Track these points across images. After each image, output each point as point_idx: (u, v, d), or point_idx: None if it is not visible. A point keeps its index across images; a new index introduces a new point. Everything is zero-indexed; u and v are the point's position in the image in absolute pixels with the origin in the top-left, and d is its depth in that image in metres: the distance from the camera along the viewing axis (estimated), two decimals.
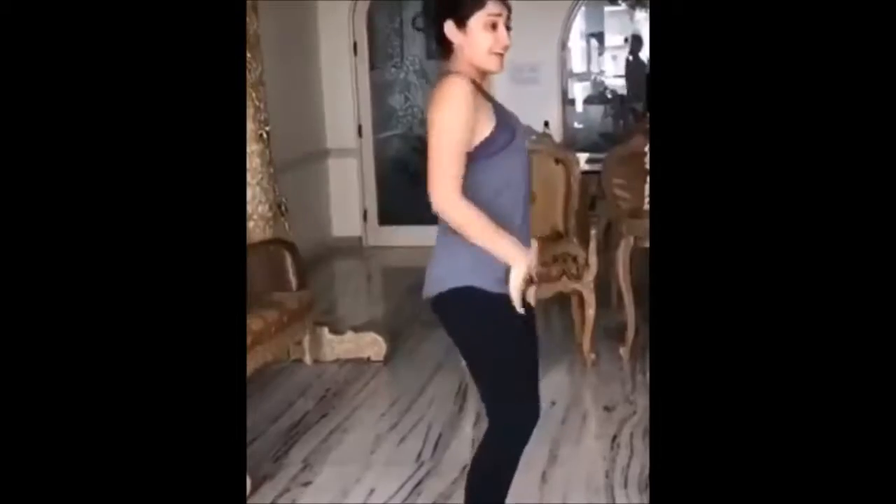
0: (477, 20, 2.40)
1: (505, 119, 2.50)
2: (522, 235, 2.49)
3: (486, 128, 2.43)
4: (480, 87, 2.48)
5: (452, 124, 2.38)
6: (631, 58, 10.09)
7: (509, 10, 2.46)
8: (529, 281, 2.44)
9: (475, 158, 2.42)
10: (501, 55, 2.45)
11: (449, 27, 2.43)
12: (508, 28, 2.46)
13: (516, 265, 2.38)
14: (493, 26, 2.41)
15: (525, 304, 2.44)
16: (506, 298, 2.40)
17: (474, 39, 2.42)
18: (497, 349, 2.53)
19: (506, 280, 2.40)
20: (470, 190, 2.41)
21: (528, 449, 3.55)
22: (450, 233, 2.47)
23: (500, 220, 2.42)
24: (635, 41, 10.09)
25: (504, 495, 2.65)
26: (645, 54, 9.82)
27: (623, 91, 10.45)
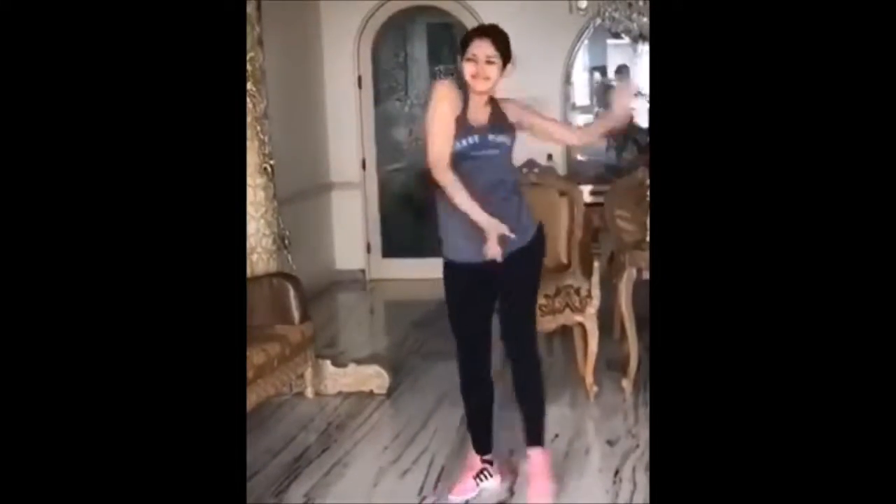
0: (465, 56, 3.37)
1: (467, 131, 3.34)
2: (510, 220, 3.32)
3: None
4: (472, 100, 3.37)
5: (434, 111, 3.32)
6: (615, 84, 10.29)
7: (493, 46, 3.33)
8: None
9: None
10: (476, 79, 3.33)
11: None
12: (490, 62, 3.33)
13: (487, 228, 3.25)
14: (471, 60, 3.33)
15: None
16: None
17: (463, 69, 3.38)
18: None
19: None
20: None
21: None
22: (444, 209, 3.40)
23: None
24: (623, 69, 10.29)
25: None
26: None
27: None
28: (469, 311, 3.52)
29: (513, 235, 3.30)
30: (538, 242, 3.52)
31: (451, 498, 3.63)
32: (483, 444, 3.69)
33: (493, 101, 3.45)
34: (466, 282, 3.45)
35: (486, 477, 3.68)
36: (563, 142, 3.78)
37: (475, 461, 3.69)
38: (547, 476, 3.55)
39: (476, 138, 3.35)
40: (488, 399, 3.65)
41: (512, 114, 3.49)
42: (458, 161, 3.32)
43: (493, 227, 3.26)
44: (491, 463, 3.71)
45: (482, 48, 3.33)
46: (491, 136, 3.39)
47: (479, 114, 3.39)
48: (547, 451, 3.61)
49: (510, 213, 3.36)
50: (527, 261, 3.46)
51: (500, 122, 3.42)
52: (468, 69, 3.34)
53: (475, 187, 3.30)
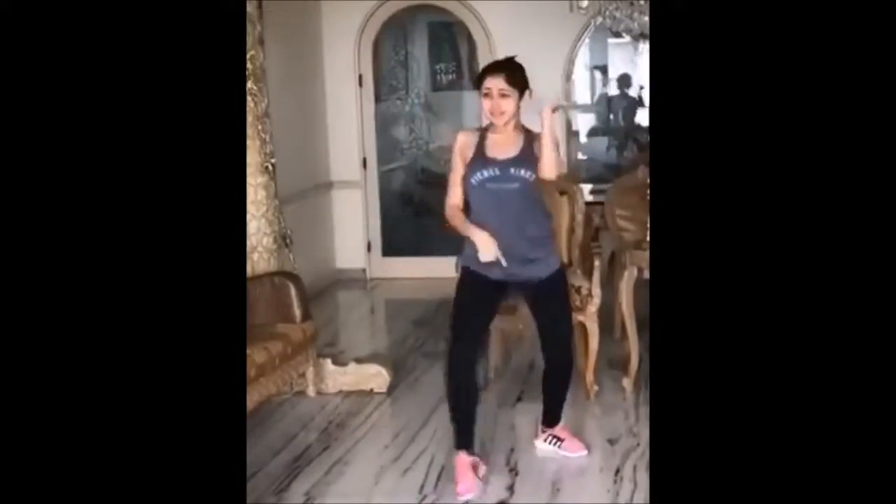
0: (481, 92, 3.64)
1: (480, 166, 3.62)
2: (515, 250, 3.62)
3: (468, 167, 3.68)
4: (495, 132, 3.69)
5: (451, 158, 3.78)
6: (618, 92, 10.32)
7: (505, 81, 3.57)
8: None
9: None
10: (494, 114, 3.60)
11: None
12: (504, 95, 3.57)
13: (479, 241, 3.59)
14: (487, 96, 3.60)
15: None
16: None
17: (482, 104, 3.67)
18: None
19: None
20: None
21: (531, 481, 3.55)
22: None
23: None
24: (624, 79, 10.35)
25: None
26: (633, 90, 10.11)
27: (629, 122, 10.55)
28: (473, 316, 3.75)
29: (504, 263, 3.60)
30: (560, 277, 3.83)
31: (460, 495, 3.62)
32: (470, 439, 3.79)
33: (527, 135, 3.66)
34: (479, 289, 3.72)
35: (479, 469, 3.78)
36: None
37: (465, 458, 3.73)
38: (573, 436, 4.01)
39: (496, 170, 3.60)
40: (477, 392, 3.81)
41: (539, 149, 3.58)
42: (475, 193, 3.64)
43: (484, 243, 3.57)
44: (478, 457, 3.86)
45: (495, 83, 3.57)
46: (513, 170, 3.60)
47: (505, 147, 3.63)
48: (564, 424, 4.04)
49: (522, 247, 3.64)
50: (555, 286, 3.78)
51: (525, 156, 3.60)
52: (484, 105, 3.61)
53: (492, 219, 3.61)
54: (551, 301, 3.80)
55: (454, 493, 3.63)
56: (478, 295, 3.72)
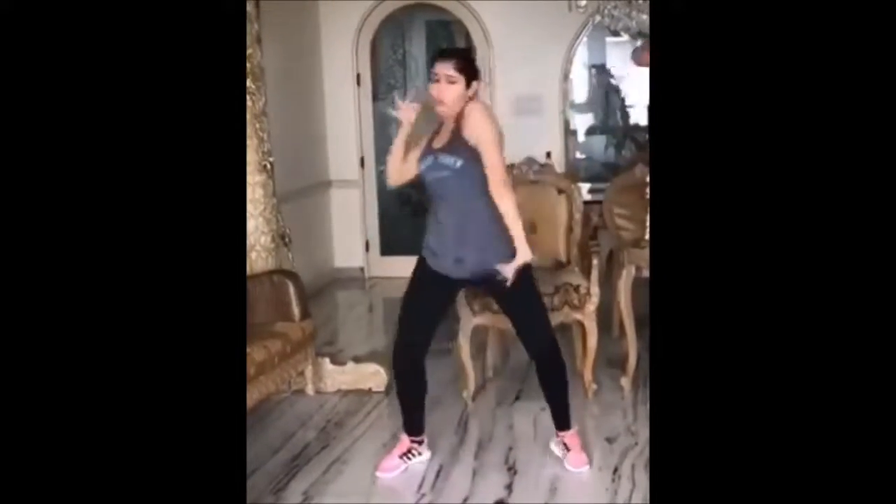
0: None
1: (424, 155, 3.63)
2: (449, 245, 3.67)
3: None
4: (439, 120, 3.64)
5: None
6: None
7: (453, 67, 3.52)
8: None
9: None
10: (439, 97, 3.55)
11: None
12: (451, 82, 3.51)
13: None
14: (435, 81, 3.55)
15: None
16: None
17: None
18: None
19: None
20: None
21: (529, 480, 3.55)
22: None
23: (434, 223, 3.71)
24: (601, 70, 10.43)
25: None
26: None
27: (630, 121, 10.57)
28: (424, 303, 3.83)
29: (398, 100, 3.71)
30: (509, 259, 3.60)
31: (378, 474, 3.83)
32: (416, 427, 3.93)
33: (458, 119, 3.56)
34: (428, 282, 3.80)
35: (414, 455, 3.91)
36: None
37: (405, 441, 3.92)
38: (580, 449, 3.84)
39: (431, 159, 3.61)
40: (423, 387, 3.88)
41: (469, 125, 3.51)
42: (423, 182, 3.70)
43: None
44: (421, 442, 3.95)
45: (443, 68, 3.54)
46: (441, 158, 3.57)
47: (444, 133, 3.62)
48: (575, 431, 3.88)
49: (451, 237, 3.64)
50: (517, 278, 3.60)
51: (455, 143, 3.54)
52: (431, 89, 3.58)
53: (438, 208, 3.67)
54: (514, 292, 3.65)
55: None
56: (426, 288, 3.80)
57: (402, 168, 3.75)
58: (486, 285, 3.80)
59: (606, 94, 10.52)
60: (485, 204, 3.55)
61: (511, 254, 3.55)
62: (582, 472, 3.75)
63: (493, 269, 3.58)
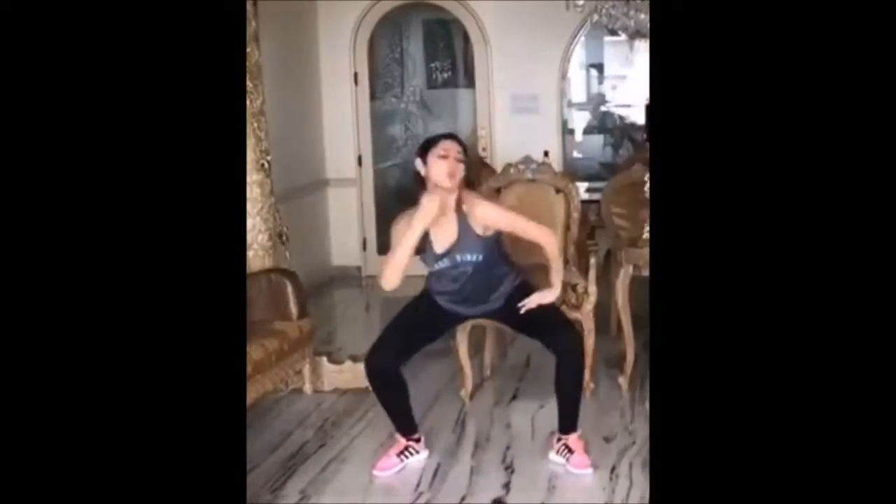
0: (432, 154, 3.67)
1: (432, 258, 3.74)
2: (465, 299, 3.86)
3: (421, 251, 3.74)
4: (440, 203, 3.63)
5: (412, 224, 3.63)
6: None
7: (460, 149, 3.67)
8: None
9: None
10: (452, 177, 3.65)
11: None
12: (460, 160, 3.64)
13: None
14: (444, 157, 3.63)
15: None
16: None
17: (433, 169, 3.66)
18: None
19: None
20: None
21: (526, 479, 3.55)
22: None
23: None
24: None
25: None
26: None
27: (626, 120, 10.58)
28: (418, 329, 3.86)
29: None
30: (519, 289, 3.86)
31: (375, 472, 3.82)
32: (407, 427, 3.93)
33: (459, 210, 3.68)
34: (430, 315, 3.90)
35: (411, 453, 3.91)
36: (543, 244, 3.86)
37: (401, 440, 3.92)
38: (583, 452, 3.81)
39: (445, 262, 3.74)
40: (402, 389, 3.85)
41: (477, 218, 3.68)
42: (434, 275, 3.83)
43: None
44: (417, 440, 3.95)
45: (453, 146, 3.67)
46: (458, 257, 3.72)
47: (445, 231, 3.69)
48: (580, 434, 3.86)
49: (468, 295, 3.84)
50: (518, 294, 3.83)
51: (466, 240, 3.70)
52: (440, 167, 3.62)
53: (454, 288, 3.81)
54: (519, 311, 3.80)
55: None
56: (425, 318, 3.89)
57: (401, 276, 3.66)
58: (493, 315, 3.97)
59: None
60: (506, 269, 3.87)
61: (515, 281, 3.86)
62: (585, 475, 3.72)
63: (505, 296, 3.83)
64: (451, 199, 3.69)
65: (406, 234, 3.59)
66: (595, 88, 11.42)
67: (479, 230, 3.70)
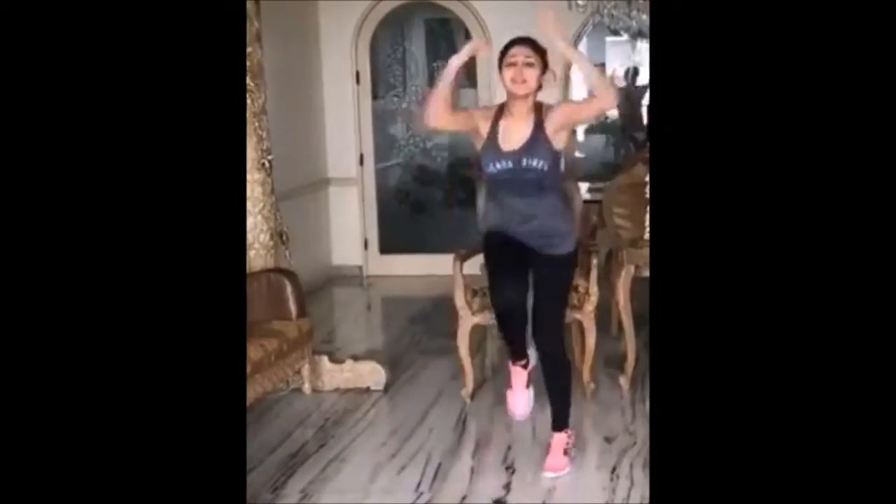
0: (503, 63, 3.66)
1: (493, 157, 3.64)
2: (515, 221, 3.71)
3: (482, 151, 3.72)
4: (501, 120, 3.67)
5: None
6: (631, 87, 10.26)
7: (532, 49, 3.65)
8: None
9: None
10: (516, 83, 3.59)
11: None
12: (529, 64, 3.60)
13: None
14: (512, 64, 3.60)
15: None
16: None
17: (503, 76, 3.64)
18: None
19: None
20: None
21: (527, 480, 3.55)
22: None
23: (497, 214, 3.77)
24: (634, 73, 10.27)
25: None
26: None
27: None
28: (503, 268, 3.72)
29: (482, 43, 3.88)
30: (573, 258, 3.84)
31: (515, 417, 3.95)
32: (523, 353, 3.85)
33: (537, 116, 3.62)
34: (501, 245, 3.75)
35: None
36: (600, 110, 3.96)
37: (517, 370, 3.87)
38: (561, 451, 3.78)
39: (508, 163, 3.61)
40: (523, 322, 3.75)
41: (551, 122, 3.62)
42: (492, 180, 3.71)
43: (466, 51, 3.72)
44: (525, 366, 3.89)
45: (521, 50, 3.62)
46: (525, 161, 3.60)
47: (516, 133, 3.61)
48: (569, 433, 3.85)
49: (517, 218, 3.69)
50: (562, 267, 3.78)
51: (536, 143, 3.60)
52: (506, 74, 3.60)
53: (508, 201, 3.68)
54: (550, 281, 3.74)
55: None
56: (502, 249, 3.75)
57: (446, 115, 3.68)
58: (538, 259, 3.75)
59: None
60: (557, 197, 3.76)
61: (571, 239, 3.79)
62: (559, 477, 3.72)
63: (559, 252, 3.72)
64: (526, 104, 3.63)
65: (448, 65, 3.64)
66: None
67: (551, 135, 3.62)
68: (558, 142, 3.66)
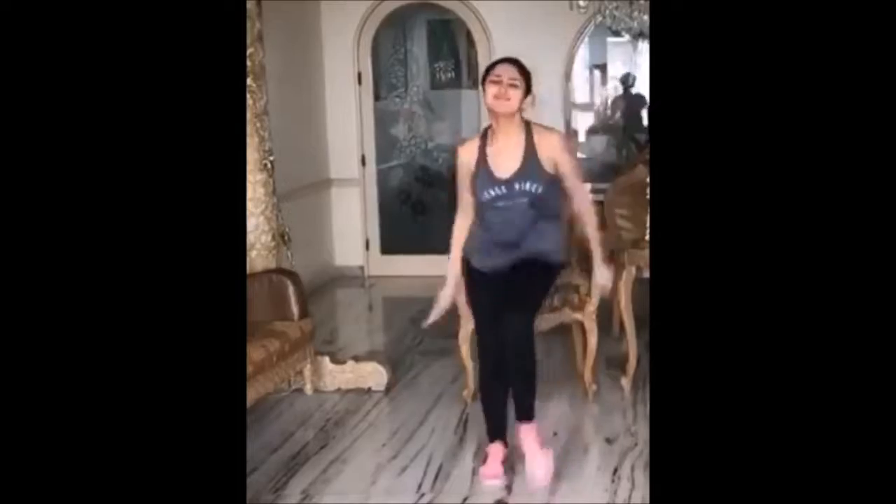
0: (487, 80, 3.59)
1: (486, 184, 3.59)
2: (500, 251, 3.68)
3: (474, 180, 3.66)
4: (489, 143, 3.65)
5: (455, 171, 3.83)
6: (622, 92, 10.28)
7: (517, 71, 3.59)
8: None
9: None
10: (499, 100, 3.54)
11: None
12: (513, 85, 3.53)
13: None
14: (495, 82, 3.53)
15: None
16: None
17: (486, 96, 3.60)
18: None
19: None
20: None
21: (528, 480, 3.52)
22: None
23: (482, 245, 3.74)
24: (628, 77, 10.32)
25: None
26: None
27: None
28: (483, 301, 3.72)
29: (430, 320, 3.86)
30: (545, 265, 3.74)
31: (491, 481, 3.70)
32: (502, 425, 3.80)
33: (528, 135, 3.59)
34: (478, 281, 3.77)
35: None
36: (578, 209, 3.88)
37: (499, 448, 3.76)
38: (539, 447, 3.65)
39: (502, 189, 3.56)
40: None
41: (545, 149, 3.59)
42: (484, 208, 3.66)
43: (443, 300, 3.84)
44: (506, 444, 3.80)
45: (506, 70, 3.56)
46: (517, 186, 3.57)
47: (507, 158, 3.57)
48: (533, 425, 3.69)
49: (524, 250, 3.65)
50: (539, 267, 3.70)
51: (529, 166, 3.56)
52: (489, 91, 3.54)
53: (500, 230, 3.64)
54: (522, 276, 3.65)
55: None
56: (478, 285, 3.76)
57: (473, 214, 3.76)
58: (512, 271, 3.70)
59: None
60: (549, 222, 3.71)
61: (556, 258, 3.78)
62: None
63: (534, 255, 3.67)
64: (512, 125, 3.59)
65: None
66: (597, 90, 11.41)
67: (544, 161, 3.59)
68: (551, 168, 3.63)
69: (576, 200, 3.78)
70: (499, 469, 3.70)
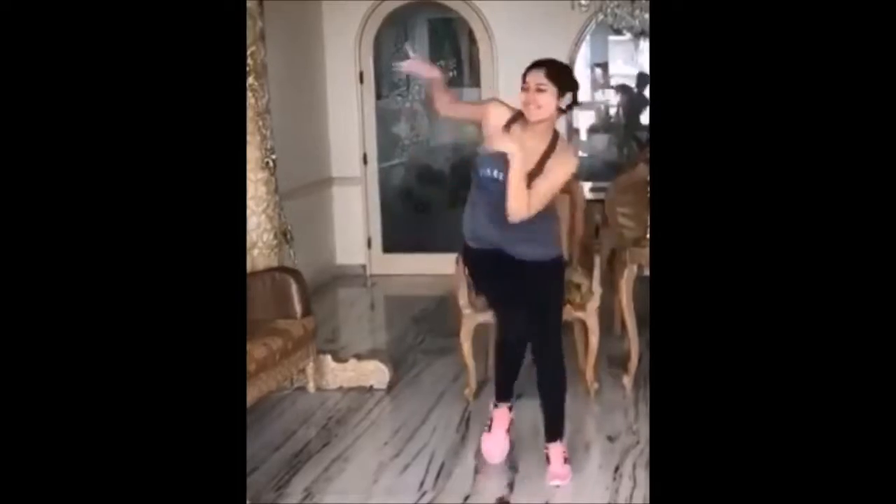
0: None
1: (496, 161, 3.54)
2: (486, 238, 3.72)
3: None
4: (515, 126, 3.62)
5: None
6: (635, 91, 10.20)
7: (545, 75, 3.52)
8: None
9: None
10: (528, 106, 3.55)
11: None
12: (541, 90, 3.51)
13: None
14: (524, 89, 3.55)
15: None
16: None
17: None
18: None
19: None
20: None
21: (530, 479, 3.55)
22: None
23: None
24: (641, 78, 10.26)
25: None
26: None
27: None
28: (510, 293, 3.72)
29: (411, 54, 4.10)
30: (555, 267, 3.80)
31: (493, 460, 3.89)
32: (510, 392, 4.01)
33: (549, 147, 3.58)
34: (476, 261, 3.84)
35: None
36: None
37: (505, 412, 3.98)
38: (561, 463, 3.73)
39: (501, 175, 3.52)
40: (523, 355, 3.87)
41: (554, 170, 3.58)
42: (478, 188, 3.68)
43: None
44: (511, 408, 4.03)
45: (533, 77, 3.54)
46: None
47: (531, 152, 3.53)
48: (562, 442, 3.79)
49: (512, 235, 3.63)
50: (550, 275, 3.76)
51: (543, 164, 3.56)
52: (520, 99, 3.57)
53: (491, 214, 3.62)
54: (540, 288, 3.68)
55: None
56: (495, 272, 3.75)
57: (450, 106, 3.83)
58: (521, 268, 3.71)
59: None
60: (549, 222, 3.78)
61: (555, 250, 3.81)
62: (561, 485, 3.67)
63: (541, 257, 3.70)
64: (539, 128, 3.58)
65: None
66: (597, 90, 11.39)
67: (549, 170, 3.58)
68: None
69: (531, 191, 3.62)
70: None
